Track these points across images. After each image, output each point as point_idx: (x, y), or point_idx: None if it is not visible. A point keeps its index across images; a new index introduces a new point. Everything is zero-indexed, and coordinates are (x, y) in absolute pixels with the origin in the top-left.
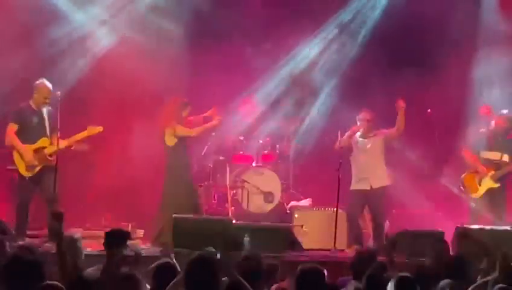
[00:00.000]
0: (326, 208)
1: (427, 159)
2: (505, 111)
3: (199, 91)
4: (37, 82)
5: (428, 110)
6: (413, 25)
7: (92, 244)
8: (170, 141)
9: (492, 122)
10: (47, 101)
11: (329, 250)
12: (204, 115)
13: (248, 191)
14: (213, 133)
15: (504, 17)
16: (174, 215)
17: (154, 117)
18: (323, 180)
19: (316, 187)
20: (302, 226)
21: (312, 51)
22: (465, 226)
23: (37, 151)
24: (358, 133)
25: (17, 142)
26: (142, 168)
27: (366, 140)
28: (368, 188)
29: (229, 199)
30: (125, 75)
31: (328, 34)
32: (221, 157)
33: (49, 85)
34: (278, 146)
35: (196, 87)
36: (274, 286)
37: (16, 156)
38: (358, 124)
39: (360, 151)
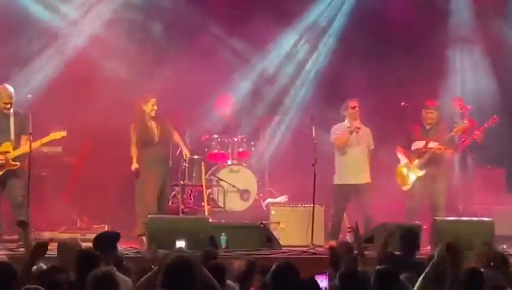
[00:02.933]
0: (303, 204)
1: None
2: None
3: (174, 89)
4: None
5: (402, 104)
6: (386, 20)
7: None
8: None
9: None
10: (7, 106)
11: (307, 246)
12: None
13: (224, 190)
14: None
15: (474, 9)
16: (149, 215)
17: (128, 120)
18: (299, 177)
19: (292, 183)
20: (279, 223)
21: (286, 47)
22: (442, 218)
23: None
24: (346, 124)
25: None
26: (118, 170)
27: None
28: (353, 182)
29: (205, 197)
30: (98, 75)
31: (301, 29)
32: (196, 156)
33: (10, 89)
34: (253, 143)
35: (171, 85)
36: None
37: None
38: (344, 113)
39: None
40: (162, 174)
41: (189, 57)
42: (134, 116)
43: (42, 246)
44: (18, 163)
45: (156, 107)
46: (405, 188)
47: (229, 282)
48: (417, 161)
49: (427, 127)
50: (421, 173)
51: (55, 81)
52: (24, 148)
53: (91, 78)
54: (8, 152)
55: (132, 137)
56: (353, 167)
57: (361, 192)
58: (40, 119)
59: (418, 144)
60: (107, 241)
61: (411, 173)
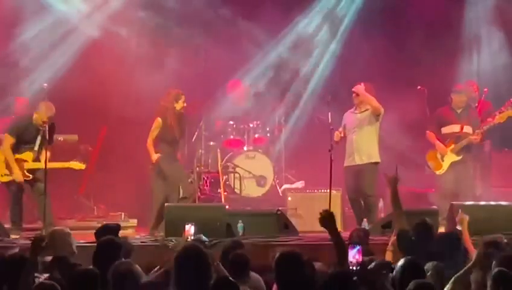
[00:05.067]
0: (320, 190)
1: (419, 137)
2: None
3: (187, 77)
4: (43, 102)
5: (419, 87)
6: (403, 2)
7: (85, 236)
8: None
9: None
10: (44, 126)
11: (324, 232)
12: None
13: (240, 176)
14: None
15: None
16: (166, 204)
17: (143, 107)
18: (316, 162)
19: (309, 169)
20: (295, 209)
21: (301, 32)
22: (460, 203)
23: (17, 161)
24: (351, 110)
25: (10, 157)
26: (134, 157)
27: (356, 115)
28: (354, 163)
29: (222, 184)
30: (112, 63)
31: (316, 13)
32: (211, 143)
33: (51, 109)
34: (268, 129)
35: (184, 73)
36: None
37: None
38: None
39: (350, 127)
40: (180, 169)
41: (203, 43)
42: (161, 110)
43: (40, 240)
44: (30, 175)
45: (185, 104)
46: (438, 173)
47: (252, 273)
48: (453, 145)
49: (458, 111)
50: (458, 158)
51: (70, 70)
52: (40, 164)
53: (106, 66)
54: (26, 161)
55: (153, 130)
56: (349, 150)
57: (358, 174)
58: (55, 108)
59: (453, 128)
60: (107, 234)
61: (446, 158)
